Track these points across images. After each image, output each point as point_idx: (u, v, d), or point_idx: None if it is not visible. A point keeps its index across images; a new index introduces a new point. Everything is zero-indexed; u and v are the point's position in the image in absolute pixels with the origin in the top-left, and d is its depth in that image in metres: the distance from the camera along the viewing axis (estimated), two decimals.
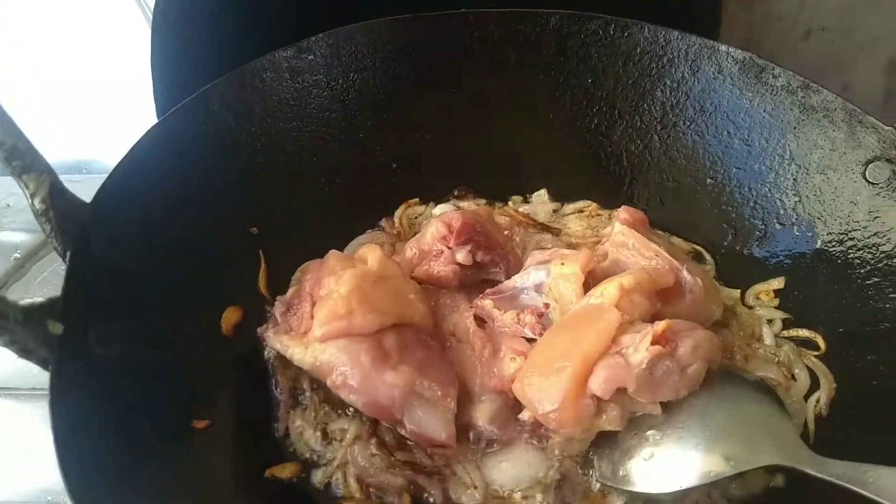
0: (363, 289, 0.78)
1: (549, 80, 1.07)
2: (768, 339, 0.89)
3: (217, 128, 0.93)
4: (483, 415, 0.81)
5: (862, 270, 0.84)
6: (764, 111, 0.95)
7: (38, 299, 0.66)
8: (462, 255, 0.90)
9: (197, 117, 0.91)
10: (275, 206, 0.98)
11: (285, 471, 0.78)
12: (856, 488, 0.63)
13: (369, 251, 0.86)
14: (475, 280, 0.94)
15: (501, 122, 1.09)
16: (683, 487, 0.72)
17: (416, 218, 1.10)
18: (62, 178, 1.03)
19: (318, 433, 0.82)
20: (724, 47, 0.98)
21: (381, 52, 1.04)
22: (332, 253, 0.87)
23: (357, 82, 1.04)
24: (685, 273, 0.83)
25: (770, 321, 0.91)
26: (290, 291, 0.88)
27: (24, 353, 0.63)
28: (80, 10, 1.42)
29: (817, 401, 0.83)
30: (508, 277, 0.91)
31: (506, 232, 1.03)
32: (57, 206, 0.72)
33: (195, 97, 0.91)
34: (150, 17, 1.36)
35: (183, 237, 0.85)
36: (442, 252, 0.91)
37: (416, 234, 1.01)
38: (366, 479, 0.78)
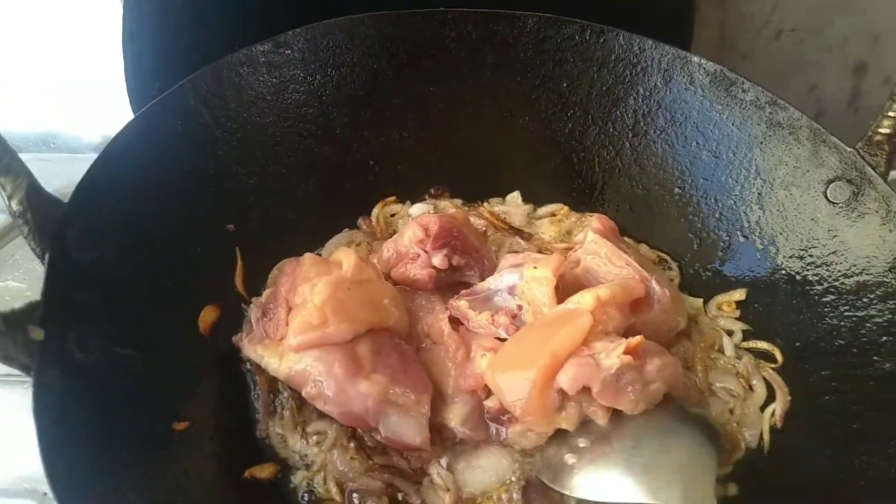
0: (338, 297, 0.80)
1: (525, 82, 1.09)
2: (728, 350, 0.93)
3: (193, 123, 0.93)
4: (456, 416, 0.84)
5: (819, 287, 0.88)
6: (732, 124, 0.98)
7: (18, 305, 0.66)
8: (438, 259, 0.92)
9: (173, 113, 0.91)
10: (251, 202, 0.99)
11: (264, 471, 0.80)
12: None
13: (344, 255, 0.87)
14: (450, 282, 0.96)
15: (477, 121, 1.10)
16: (587, 499, 0.76)
17: (392, 216, 1.11)
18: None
19: (298, 436, 0.84)
20: (696, 59, 1.00)
21: (360, 47, 1.04)
22: (308, 256, 0.88)
23: (335, 78, 1.04)
24: (654, 284, 0.86)
25: (731, 332, 0.94)
26: (266, 294, 0.89)
27: (7, 360, 0.63)
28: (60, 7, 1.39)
29: (773, 412, 0.87)
30: (483, 280, 0.93)
31: (482, 232, 1.06)
32: (34, 207, 0.72)
33: (171, 92, 0.90)
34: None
35: (159, 235, 0.85)
36: (419, 255, 0.94)
37: (392, 233, 1.03)
38: (345, 483, 0.81)
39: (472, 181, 1.12)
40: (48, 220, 0.73)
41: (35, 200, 0.72)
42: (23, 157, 1.27)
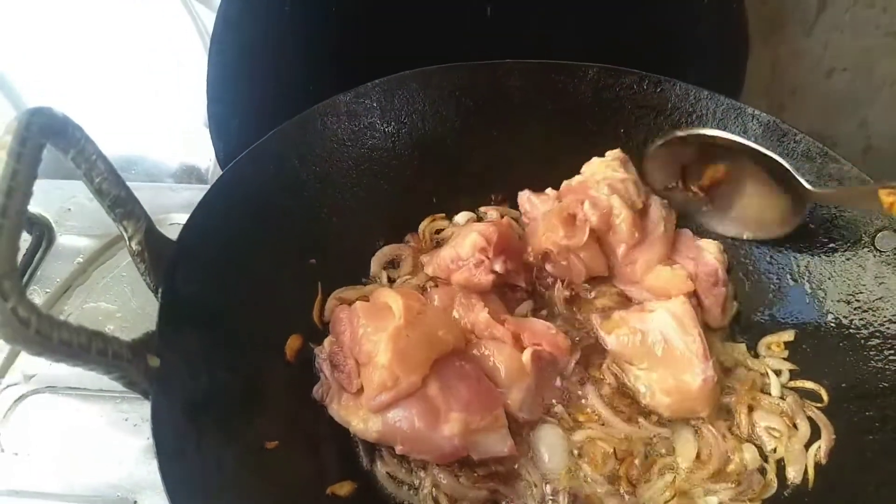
0: (400, 349, 0.86)
1: (583, 128, 1.15)
2: (775, 390, 0.97)
3: (282, 168, 1.02)
4: (515, 403, 0.92)
5: (865, 332, 0.93)
6: None
7: (139, 336, 0.75)
8: (499, 266, 1.02)
9: (265, 159, 1.00)
10: (331, 238, 1.07)
11: (343, 489, 0.88)
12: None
13: (391, 300, 0.93)
14: (498, 283, 1.05)
15: (537, 164, 1.17)
16: None
17: (436, 233, 1.18)
18: None
19: (403, 471, 0.92)
20: (750, 109, 1.06)
21: (430, 97, 1.13)
22: (360, 306, 0.95)
23: (407, 125, 1.13)
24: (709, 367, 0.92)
25: (778, 372, 0.99)
26: (328, 343, 0.96)
27: (130, 385, 0.71)
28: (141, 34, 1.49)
29: (818, 449, 0.91)
30: (526, 282, 1.08)
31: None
32: (150, 247, 0.81)
33: (264, 140, 1.00)
34: (205, 39, 1.47)
35: (253, 271, 0.94)
36: (482, 262, 1.02)
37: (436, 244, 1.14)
38: (456, 498, 0.89)
39: None
40: (161, 259, 0.82)
41: (151, 241, 0.81)
42: None
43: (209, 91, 1.33)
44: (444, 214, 1.19)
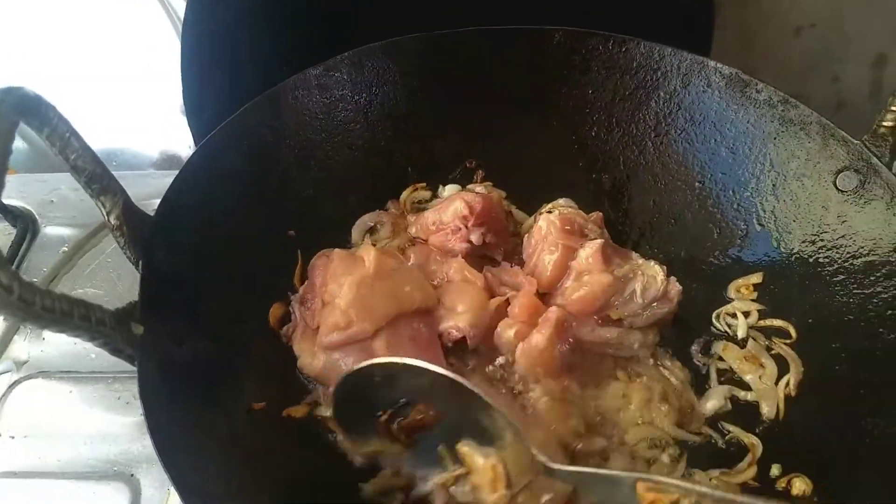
0: (361, 295, 0.90)
1: (553, 91, 1.17)
2: (741, 332, 1.01)
3: (256, 143, 1.04)
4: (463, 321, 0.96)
5: (830, 268, 0.96)
6: (747, 122, 1.05)
7: (123, 305, 0.77)
8: (476, 237, 1.05)
9: (238, 135, 1.02)
10: (308, 210, 1.09)
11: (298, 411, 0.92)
12: None
13: (365, 251, 0.97)
14: (476, 255, 1.08)
15: (510, 130, 1.19)
16: None
17: (418, 202, 1.21)
18: None
19: None
20: (712, 63, 1.08)
21: (400, 67, 1.15)
22: (337, 252, 0.99)
23: (378, 96, 1.15)
24: None
25: (747, 313, 1.02)
26: (303, 287, 1.01)
27: (116, 351, 0.74)
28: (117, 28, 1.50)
29: (787, 383, 0.94)
30: (505, 258, 1.09)
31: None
32: (128, 222, 0.83)
33: (236, 116, 1.01)
34: (176, 25, 1.48)
35: (231, 243, 0.96)
36: (459, 229, 1.06)
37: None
38: None
39: (505, 185, 1.22)
40: (139, 233, 0.84)
41: (129, 216, 0.83)
42: None
43: (183, 76, 1.34)
44: (425, 184, 1.22)
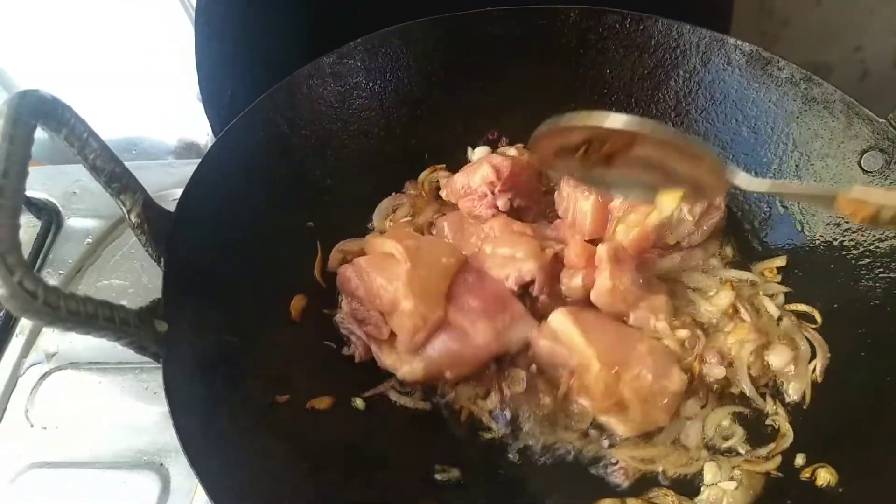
0: (416, 290, 0.92)
1: (569, 71, 1.16)
2: (772, 309, 1.00)
3: (273, 134, 1.04)
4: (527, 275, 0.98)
5: (855, 252, 0.94)
6: (769, 101, 1.04)
7: (147, 303, 0.78)
8: (502, 203, 1.07)
9: (255, 126, 1.02)
10: (327, 200, 1.10)
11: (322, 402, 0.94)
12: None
13: (389, 247, 0.97)
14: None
15: (525, 112, 1.17)
16: None
17: (435, 183, 1.20)
18: None
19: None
20: (732, 40, 1.06)
21: (413, 52, 1.14)
22: (363, 261, 0.99)
23: (393, 81, 1.14)
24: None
25: (772, 295, 1.01)
26: (345, 305, 1.01)
27: (141, 349, 0.75)
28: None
29: (814, 369, 0.94)
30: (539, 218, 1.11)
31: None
32: (149, 219, 0.84)
33: (251, 108, 1.02)
34: (190, 13, 1.47)
35: (251, 236, 0.97)
36: (486, 195, 1.07)
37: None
38: None
39: None
40: (160, 229, 0.84)
41: (149, 213, 0.84)
42: None
43: (199, 65, 1.34)
44: (444, 165, 1.21)
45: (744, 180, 0.78)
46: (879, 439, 0.82)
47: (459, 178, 1.10)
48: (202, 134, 1.69)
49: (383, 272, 0.95)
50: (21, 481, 1.04)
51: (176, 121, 1.72)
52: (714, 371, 0.94)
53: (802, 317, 0.99)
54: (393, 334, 0.95)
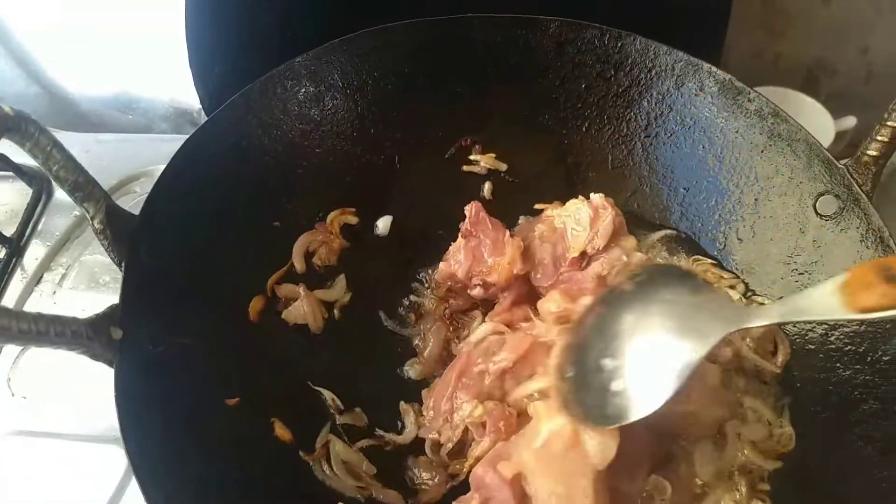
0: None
1: (546, 82, 1.16)
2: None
3: (244, 134, 1.05)
4: None
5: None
6: (736, 132, 1.04)
7: (101, 310, 0.82)
8: (476, 292, 1.06)
9: (226, 127, 1.03)
10: (296, 201, 1.12)
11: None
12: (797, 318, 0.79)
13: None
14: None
15: (500, 119, 1.19)
16: (666, 396, 0.75)
17: (345, 225, 1.17)
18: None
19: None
20: (706, 66, 1.06)
21: (392, 54, 1.14)
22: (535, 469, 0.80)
23: (369, 83, 1.15)
24: None
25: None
26: None
27: (94, 356, 0.80)
28: None
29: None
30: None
31: None
32: (112, 225, 0.87)
33: (223, 108, 1.03)
34: None
35: (216, 238, 0.99)
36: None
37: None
38: None
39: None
40: (123, 234, 0.88)
41: (112, 219, 0.87)
42: (105, 136, 1.46)
43: (188, 38, 1.35)
44: (354, 210, 1.18)
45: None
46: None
47: (440, 275, 1.09)
48: (196, 100, 1.71)
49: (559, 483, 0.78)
50: None
51: (170, 86, 1.74)
52: None
53: None
54: None
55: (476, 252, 1.04)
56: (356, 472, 0.96)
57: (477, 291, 1.05)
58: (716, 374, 0.93)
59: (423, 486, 0.96)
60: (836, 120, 1.68)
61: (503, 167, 1.23)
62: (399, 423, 1.02)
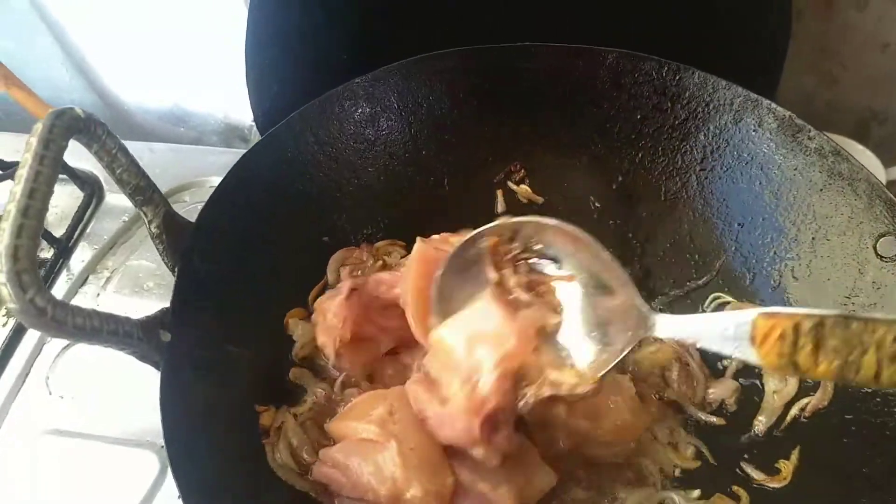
0: (416, 467, 0.82)
1: (600, 112, 1.16)
2: None
3: (300, 150, 1.07)
4: None
5: None
6: (795, 169, 1.02)
7: (152, 313, 0.83)
8: None
9: (285, 141, 1.05)
10: (345, 219, 1.13)
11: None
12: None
13: (365, 431, 0.85)
14: None
15: (552, 147, 1.19)
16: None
17: (388, 254, 1.18)
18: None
19: None
20: (766, 102, 1.04)
21: (447, 80, 1.15)
22: (337, 453, 0.87)
23: (423, 107, 1.16)
24: None
25: None
26: None
27: (142, 358, 0.80)
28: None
29: (806, 403, 0.95)
30: None
31: None
32: (168, 230, 0.89)
33: (283, 124, 1.05)
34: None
35: (267, 250, 1.01)
36: None
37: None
38: None
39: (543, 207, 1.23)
40: (178, 240, 0.89)
41: (169, 224, 0.88)
42: (158, 146, 1.49)
43: (247, 54, 1.39)
44: (403, 243, 1.18)
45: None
46: None
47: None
48: (248, 117, 1.74)
49: (367, 461, 0.82)
50: (33, 446, 1.11)
51: (225, 102, 1.78)
52: None
53: None
54: None
55: None
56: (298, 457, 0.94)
57: None
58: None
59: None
60: (886, 168, 1.65)
61: (539, 200, 1.24)
62: None
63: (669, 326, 0.76)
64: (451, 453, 0.83)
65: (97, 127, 0.80)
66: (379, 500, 0.81)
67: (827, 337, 0.59)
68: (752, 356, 0.64)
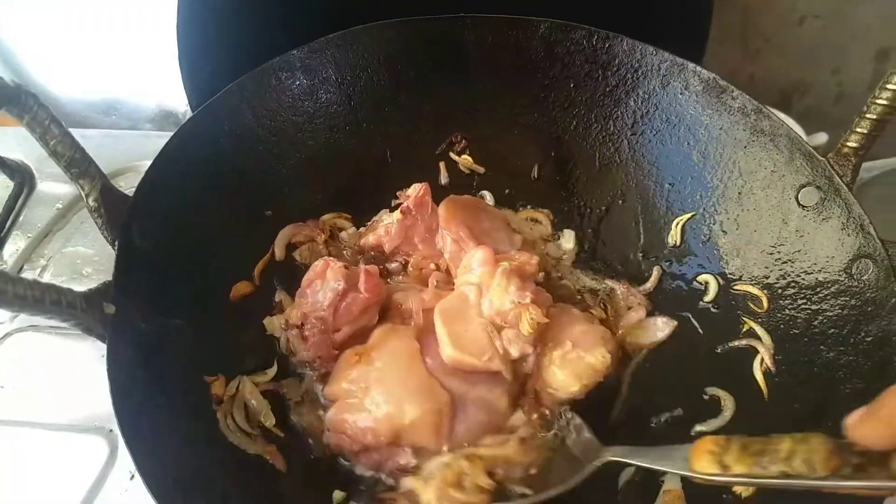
0: (408, 393, 0.89)
1: (535, 82, 1.19)
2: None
3: (238, 123, 1.07)
4: None
5: (782, 281, 0.99)
6: (720, 129, 1.07)
7: (95, 285, 0.82)
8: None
9: (221, 115, 1.05)
10: (286, 192, 1.13)
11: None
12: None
13: (349, 388, 0.92)
14: None
15: (490, 118, 1.22)
16: None
17: (338, 229, 1.19)
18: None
19: None
20: (691, 66, 1.09)
21: (385, 51, 1.16)
22: (332, 419, 0.92)
23: (362, 78, 1.17)
24: None
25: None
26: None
27: (87, 331, 0.79)
28: None
29: (762, 361, 0.98)
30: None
31: None
32: (106, 203, 0.87)
33: (218, 97, 1.04)
34: None
35: (207, 223, 1.00)
36: None
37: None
38: None
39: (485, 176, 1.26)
40: (117, 214, 0.88)
41: (107, 198, 0.87)
42: (90, 132, 1.45)
43: (179, 37, 1.36)
44: (349, 216, 1.20)
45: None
46: None
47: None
48: (182, 103, 1.71)
49: (361, 412, 0.88)
50: None
51: (157, 88, 1.74)
52: None
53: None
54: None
55: (409, 233, 1.09)
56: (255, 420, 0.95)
57: (395, 267, 1.11)
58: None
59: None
60: (808, 136, 1.73)
61: (480, 170, 1.26)
62: None
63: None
64: (440, 374, 0.91)
65: (27, 97, 0.79)
66: (381, 440, 0.86)
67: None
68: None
